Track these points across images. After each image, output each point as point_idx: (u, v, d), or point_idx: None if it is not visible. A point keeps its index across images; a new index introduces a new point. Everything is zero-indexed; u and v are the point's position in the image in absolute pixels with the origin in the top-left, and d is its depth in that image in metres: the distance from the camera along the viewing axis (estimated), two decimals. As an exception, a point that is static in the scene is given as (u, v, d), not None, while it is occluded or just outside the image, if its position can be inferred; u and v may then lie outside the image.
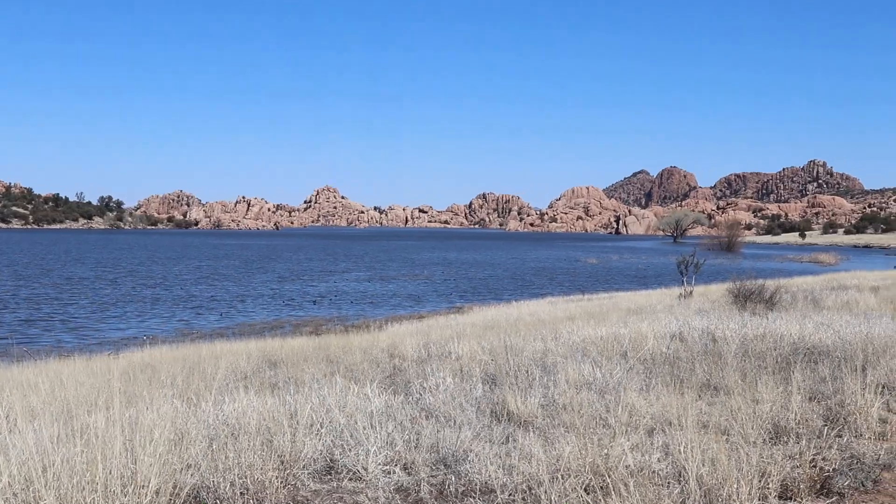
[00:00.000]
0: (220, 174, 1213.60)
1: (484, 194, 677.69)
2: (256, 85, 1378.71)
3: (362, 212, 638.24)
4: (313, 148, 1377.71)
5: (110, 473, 6.41)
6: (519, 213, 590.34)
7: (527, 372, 13.09)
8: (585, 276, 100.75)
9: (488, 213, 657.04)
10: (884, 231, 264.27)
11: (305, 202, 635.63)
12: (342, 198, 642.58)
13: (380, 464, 7.98)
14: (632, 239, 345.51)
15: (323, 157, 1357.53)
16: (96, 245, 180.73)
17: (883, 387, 11.95)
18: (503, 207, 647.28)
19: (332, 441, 8.56)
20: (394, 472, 7.88)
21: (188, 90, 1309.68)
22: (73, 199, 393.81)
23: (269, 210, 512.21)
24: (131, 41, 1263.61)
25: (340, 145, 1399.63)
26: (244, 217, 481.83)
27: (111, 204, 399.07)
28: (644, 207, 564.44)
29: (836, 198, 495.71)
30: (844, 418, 10.12)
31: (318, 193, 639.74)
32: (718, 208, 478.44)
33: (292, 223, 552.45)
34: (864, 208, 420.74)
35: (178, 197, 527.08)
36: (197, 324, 49.90)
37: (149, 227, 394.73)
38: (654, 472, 7.59)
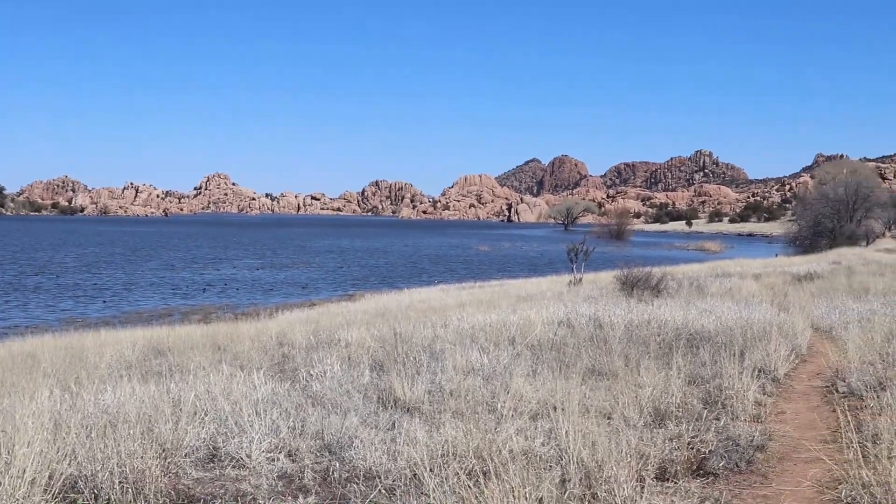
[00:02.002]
0: (108, 160, 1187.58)
1: (377, 182, 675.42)
2: (144, 70, 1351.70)
3: (253, 199, 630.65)
4: (203, 134, 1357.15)
5: (-16, 464, 6.27)
6: (412, 201, 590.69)
7: (415, 359, 13.14)
8: (477, 263, 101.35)
9: (381, 201, 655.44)
10: (766, 220, 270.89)
11: (195, 189, 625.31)
12: (233, 184, 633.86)
13: (264, 451, 7.94)
14: (524, 227, 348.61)
15: (213, 144, 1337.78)
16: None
17: (759, 371, 12.30)
18: (396, 195, 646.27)
19: (215, 429, 8.49)
20: (278, 460, 7.85)
21: (74, 74, 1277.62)
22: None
23: (157, 196, 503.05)
24: (10, 26, 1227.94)
25: (231, 132, 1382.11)
26: (132, 204, 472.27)
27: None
28: (536, 196, 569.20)
29: (722, 187, 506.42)
30: (722, 402, 10.40)
31: (208, 180, 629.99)
32: (608, 197, 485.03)
33: (182, 210, 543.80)
34: (748, 198, 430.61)
35: (63, 183, 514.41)
36: (82, 313, 48.84)
37: (32, 214, 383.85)
38: (536, 455, 7.69)
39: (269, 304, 50.04)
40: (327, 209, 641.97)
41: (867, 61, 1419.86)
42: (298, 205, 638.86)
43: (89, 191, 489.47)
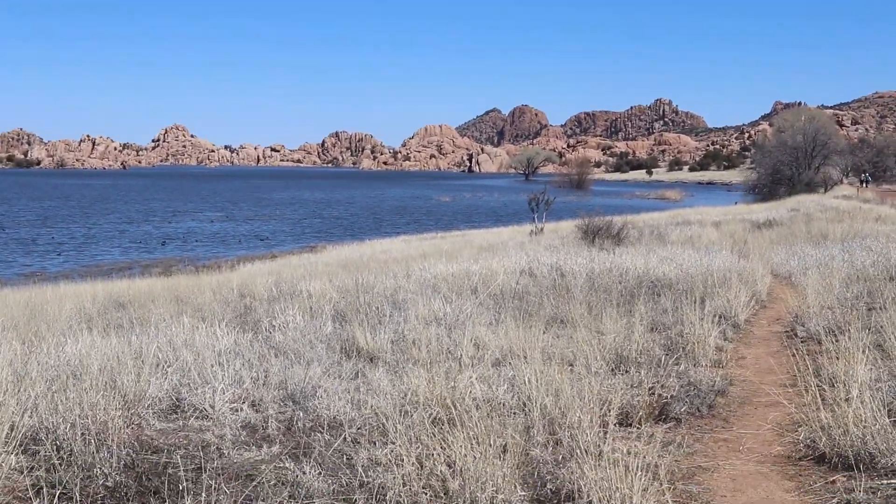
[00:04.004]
0: (64, 112, 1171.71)
1: (337, 133, 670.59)
2: (100, 20, 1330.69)
3: (212, 151, 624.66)
4: (161, 86, 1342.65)
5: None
6: (372, 152, 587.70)
7: (377, 309, 13.14)
8: (439, 214, 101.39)
9: (341, 152, 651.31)
10: (726, 168, 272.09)
11: (153, 141, 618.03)
12: (191, 136, 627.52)
13: (227, 401, 7.92)
14: (485, 177, 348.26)
15: (171, 95, 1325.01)
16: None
17: (720, 317, 12.41)
18: (356, 146, 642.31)
19: (178, 380, 8.45)
20: (241, 410, 7.83)
21: (28, 26, 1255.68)
22: None
23: (115, 149, 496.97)
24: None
25: (189, 83, 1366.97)
26: (89, 156, 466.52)
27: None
28: (496, 146, 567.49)
29: (682, 136, 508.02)
30: (683, 348, 10.49)
31: (166, 132, 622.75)
32: (569, 146, 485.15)
33: (140, 162, 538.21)
34: (708, 146, 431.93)
35: (18, 135, 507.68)
36: (40, 266, 48.39)
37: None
38: (500, 403, 7.73)
39: (231, 257, 49.83)
40: (287, 161, 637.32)
41: (824, 9, 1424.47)
42: (258, 156, 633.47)
43: (45, 143, 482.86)
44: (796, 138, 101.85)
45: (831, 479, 6.27)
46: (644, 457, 6.02)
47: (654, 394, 8.21)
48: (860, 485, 5.93)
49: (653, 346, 10.46)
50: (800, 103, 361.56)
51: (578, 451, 6.10)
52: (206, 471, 6.20)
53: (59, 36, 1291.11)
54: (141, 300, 18.27)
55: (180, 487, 5.83)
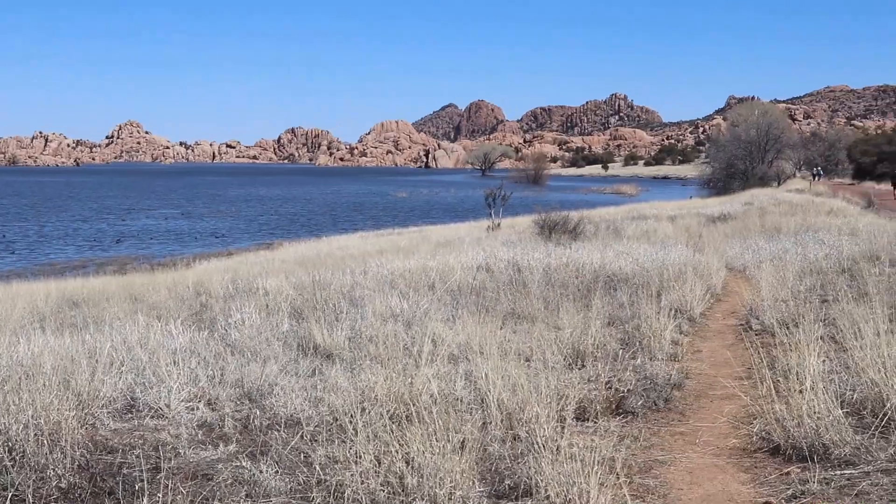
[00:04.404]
0: (15, 109, 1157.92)
1: (293, 129, 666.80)
2: (50, 14, 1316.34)
3: (167, 147, 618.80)
4: (115, 81, 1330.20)
5: None
6: (329, 148, 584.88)
7: (334, 305, 13.10)
8: (396, 210, 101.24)
9: (298, 148, 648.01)
10: (681, 162, 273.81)
11: (107, 138, 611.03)
12: (146, 133, 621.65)
13: (183, 400, 7.86)
14: (441, 173, 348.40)
15: (125, 92, 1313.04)
16: None
17: (676, 311, 12.48)
18: (313, 142, 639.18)
19: (133, 379, 8.38)
20: (197, 409, 7.78)
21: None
22: None
23: (68, 146, 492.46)
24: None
25: (143, 79, 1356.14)
26: (42, 153, 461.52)
27: None
28: (453, 141, 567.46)
29: (637, 130, 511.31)
30: (640, 342, 10.55)
31: (120, 128, 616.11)
32: (525, 141, 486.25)
33: (94, 159, 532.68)
34: (663, 140, 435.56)
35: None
36: (-9, 265, 47.80)
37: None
38: (458, 398, 7.73)
39: (186, 255, 49.42)
40: (243, 157, 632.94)
41: (776, 4, 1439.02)
42: (213, 153, 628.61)
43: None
44: (750, 133, 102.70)
45: (786, 471, 6.32)
46: (601, 451, 6.05)
47: (610, 388, 8.25)
48: (814, 476, 5.99)
49: (609, 340, 10.52)
50: (753, 98, 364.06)
51: (536, 445, 6.12)
52: (161, 470, 6.15)
53: (8, 30, 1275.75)
54: (95, 299, 18.08)
55: (136, 488, 5.79)
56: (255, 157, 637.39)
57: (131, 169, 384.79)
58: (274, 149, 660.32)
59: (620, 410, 7.96)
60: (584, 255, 18.91)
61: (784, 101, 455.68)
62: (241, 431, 7.34)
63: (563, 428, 6.57)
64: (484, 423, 7.06)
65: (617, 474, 5.86)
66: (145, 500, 5.52)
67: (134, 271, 35.25)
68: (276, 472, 6.18)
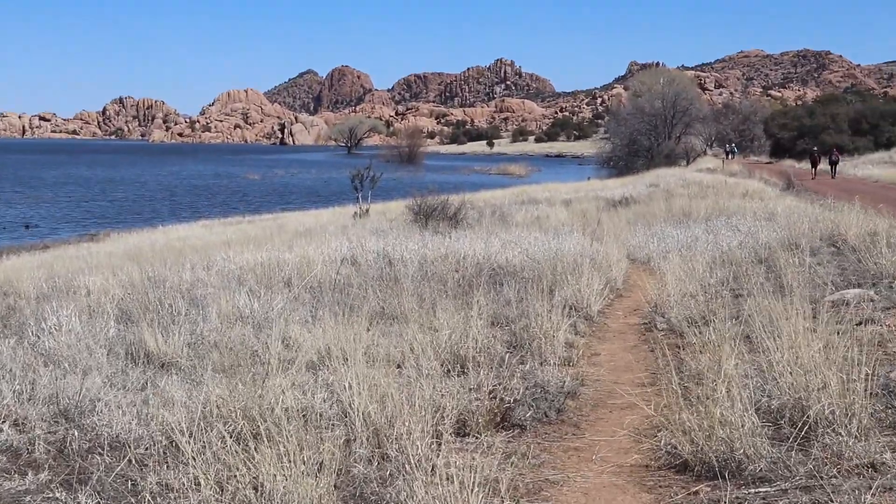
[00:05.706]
0: None
1: (121, 99, 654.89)
2: None
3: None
4: None
5: None
6: (165, 122, 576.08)
7: (171, 306, 12.93)
8: (246, 194, 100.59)
9: (127, 122, 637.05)
10: (577, 138, 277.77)
11: None
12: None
13: (-17, 422, 7.67)
14: (300, 150, 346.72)
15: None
16: None
17: (571, 308, 12.63)
18: (145, 114, 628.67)
19: (-81, 398, 8.13)
20: (1, 431, 7.60)
21: None
22: None
23: None
24: None
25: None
26: None
27: None
28: (313, 114, 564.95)
29: (526, 101, 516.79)
30: (529, 344, 10.63)
31: None
32: (398, 114, 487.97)
33: None
34: (556, 113, 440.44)
35: None
36: None
37: None
38: (317, 413, 7.69)
39: (-10, 248, 48.19)
40: (60, 132, 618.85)
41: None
42: (23, 127, 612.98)
43: None
44: (654, 104, 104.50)
45: (694, 490, 6.43)
46: (483, 470, 6.07)
47: (495, 398, 8.28)
48: (726, 495, 6.09)
49: (494, 342, 10.58)
50: (658, 64, 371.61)
51: (408, 465, 6.12)
52: (-43, 506, 5.99)
53: None
54: None
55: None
56: (75, 133, 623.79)
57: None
58: (98, 122, 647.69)
59: (506, 423, 8.00)
60: (465, 246, 18.99)
61: (693, 68, 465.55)
62: (55, 457, 7.20)
63: (439, 445, 6.57)
64: (347, 441, 7.04)
65: (501, 497, 5.89)
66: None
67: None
68: (98, 503, 6.06)
